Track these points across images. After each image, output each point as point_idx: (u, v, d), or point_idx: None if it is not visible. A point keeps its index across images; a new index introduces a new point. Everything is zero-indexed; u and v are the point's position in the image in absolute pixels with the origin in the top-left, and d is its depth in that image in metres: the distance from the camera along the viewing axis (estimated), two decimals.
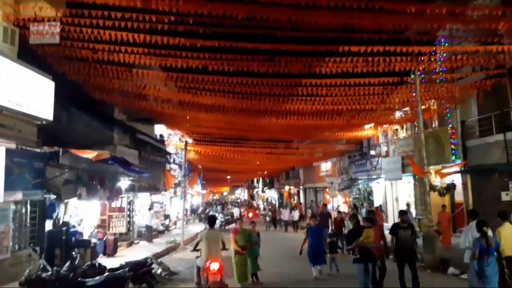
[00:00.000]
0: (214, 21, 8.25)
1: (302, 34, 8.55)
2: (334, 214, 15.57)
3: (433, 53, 10.58)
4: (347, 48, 9.01)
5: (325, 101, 11.84)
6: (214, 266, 7.22)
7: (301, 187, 36.48)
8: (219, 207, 40.09)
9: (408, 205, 16.12)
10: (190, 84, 10.86)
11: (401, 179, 17.99)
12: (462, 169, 12.78)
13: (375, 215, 8.46)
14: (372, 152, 20.83)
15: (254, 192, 69.01)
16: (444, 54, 11.78)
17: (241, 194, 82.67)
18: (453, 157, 14.09)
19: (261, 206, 51.28)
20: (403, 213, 8.21)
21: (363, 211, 16.08)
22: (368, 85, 10.94)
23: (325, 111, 13.05)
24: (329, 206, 25.05)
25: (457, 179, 14.14)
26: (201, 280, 8.10)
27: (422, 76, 12.65)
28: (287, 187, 41.51)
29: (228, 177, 51.60)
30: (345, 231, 13.11)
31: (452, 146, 14.11)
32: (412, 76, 11.75)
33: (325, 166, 29.85)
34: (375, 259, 7.46)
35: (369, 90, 11.30)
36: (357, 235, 7.54)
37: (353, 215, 9.21)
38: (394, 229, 7.95)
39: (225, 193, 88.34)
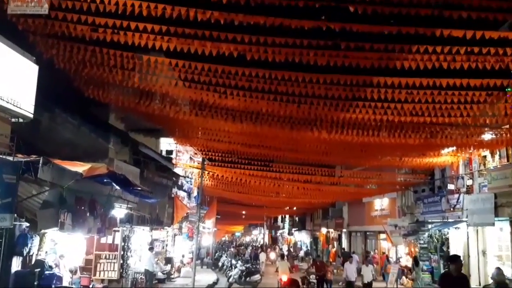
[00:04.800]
0: None
1: (385, 8, 7.72)
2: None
3: None
4: (447, 33, 8.12)
5: (401, 109, 10.91)
6: (284, 277, 18.12)
7: (344, 230, 35.30)
8: (232, 250, 39.01)
9: None
10: (219, 79, 10.20)
11: (493, 224, 16.60)
12: None
13: None
14: (450, 187, 19.57)
15: (278, 234, 67.70)
16: None
17: (259, 235, 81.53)
18: None
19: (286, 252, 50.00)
20: None
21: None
22: (467, 88, 9.95)
23: (399, 124, 12.12)
24: (391, 258, 23.83)
25: None
26: None
27: None
28: (324, 229, 40.33)
29: (244, 212, 50.96)
30: None
31: None
32: None
33: (380, 203, 28.83)
34: None
35: (467, 96, 10.29)
36: None
37: None
38: None
39: (237, 234, 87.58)
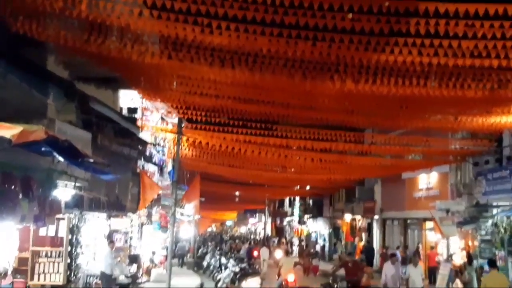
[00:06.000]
0: None
1: None
2: None
3: None
4: None
5: (458, 48, 10.88)
6: (290, 277, 20.99)
7: (376, 216, 35.72)
8: (226, 245, 39.60)
9: None
10: (201, 6, 10.17)
11: None
12: None
13: None
14: None
15: (285, 223, 68.58)
16: None
17: (258, 224, 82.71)
18: None
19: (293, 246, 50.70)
20: None
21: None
22: None
23: (454, 70, 12.19)
24: (440, 255, 24.16)
25: None
26: None
27: None
28: (348, 216, 40.82)
29: (237, 193, 51.56)
30: None
31: None
32: None
33: (426, 180, 29.20)
34: None
35: None
36: None
37: None
38: None
39: (229, 223, 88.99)
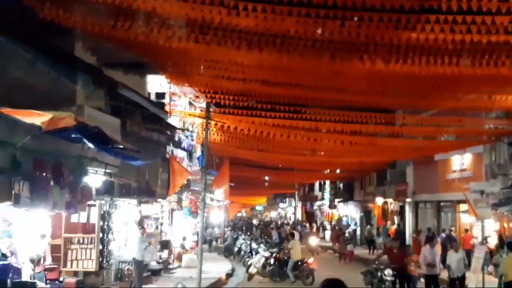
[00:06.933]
0: None
1: None
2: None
3: None
4: None
5: (492, 24, 10.62)
6: (310, 259, 23.83)
7: (408, 199, 35.39)
8: (257, 231, 39.68)
9: None
10: None
11: None
12: None
13: None
14: None
15: (315, 207, 68.54)
16: None
17: (288, 209, 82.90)
18: None
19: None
20: None
21: None
22: None
23: (488, 47, 11.85)
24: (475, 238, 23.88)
25: None
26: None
27: None
28: (380, 200, 40.57)
29: (267, 178, 51.67)
30: None
31: None
32: None
33: (460, 161, 28.79)
34: None
35: None
36: None
37: None
38: None
39: (258, 207, 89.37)
